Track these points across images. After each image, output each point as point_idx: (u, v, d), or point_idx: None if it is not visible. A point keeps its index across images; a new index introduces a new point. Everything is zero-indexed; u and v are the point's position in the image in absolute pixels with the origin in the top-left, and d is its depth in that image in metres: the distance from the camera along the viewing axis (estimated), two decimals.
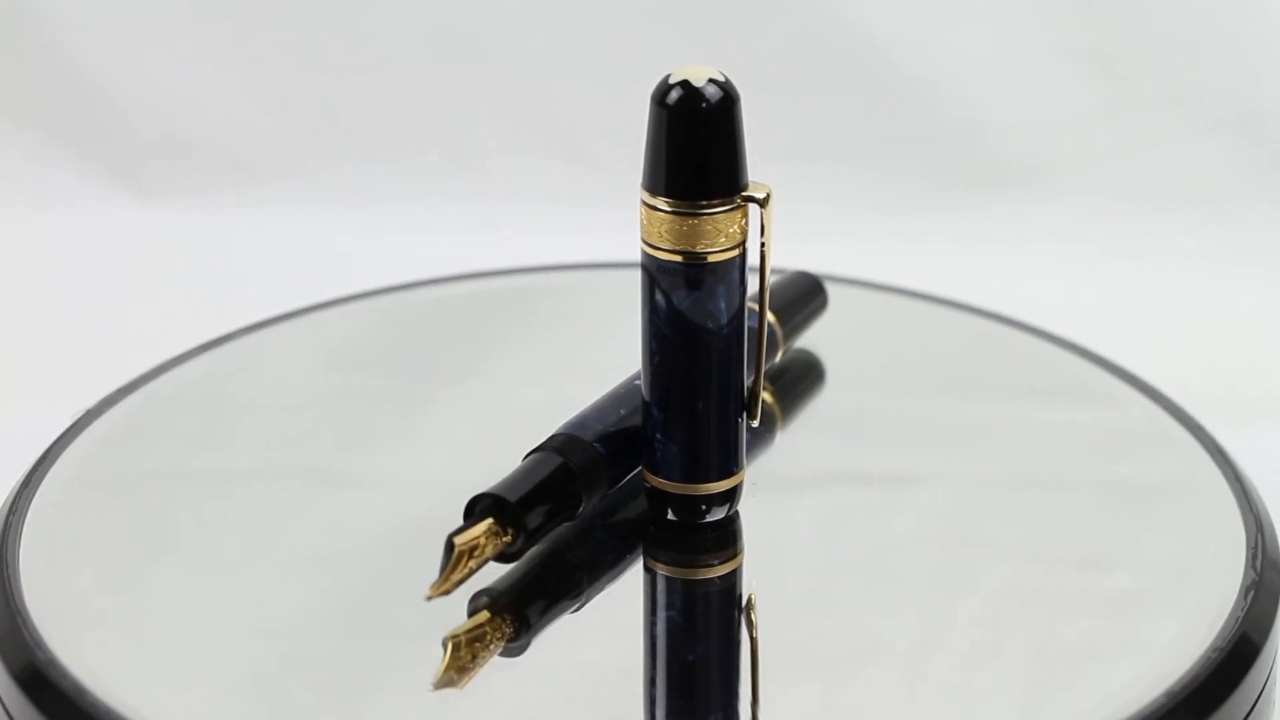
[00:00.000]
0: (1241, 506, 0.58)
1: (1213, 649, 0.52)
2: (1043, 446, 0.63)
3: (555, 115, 1.03)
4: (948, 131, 1.01)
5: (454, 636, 0.53)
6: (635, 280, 0.55)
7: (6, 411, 0.85)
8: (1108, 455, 0.63)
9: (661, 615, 0.55)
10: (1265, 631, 0.54)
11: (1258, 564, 0.56)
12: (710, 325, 0.54)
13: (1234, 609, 0.54)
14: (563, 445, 0.56)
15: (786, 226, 1.00)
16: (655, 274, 0.54)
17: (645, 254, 0.54)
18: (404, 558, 0.57)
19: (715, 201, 0.53)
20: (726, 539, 0.56)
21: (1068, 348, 0.69)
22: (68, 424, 0.62)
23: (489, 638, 0.53)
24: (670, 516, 0.56)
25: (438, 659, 0.53)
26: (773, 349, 0.65)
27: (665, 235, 0.53)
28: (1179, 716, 0.50)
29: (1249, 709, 0.53)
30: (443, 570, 0.52)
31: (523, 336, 0.70)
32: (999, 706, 0.52)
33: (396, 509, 0.60)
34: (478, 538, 0.53)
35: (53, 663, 0.51)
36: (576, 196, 1.00)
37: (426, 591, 0.52)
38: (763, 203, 0.54)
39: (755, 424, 0.56)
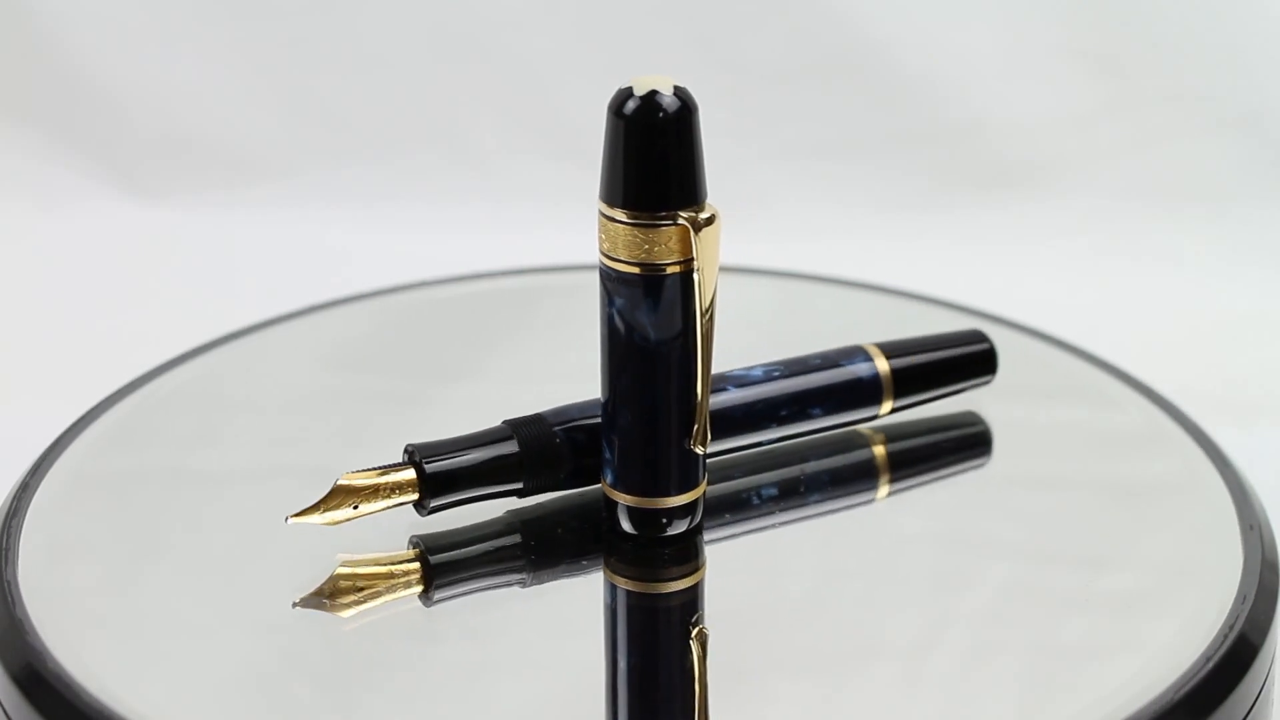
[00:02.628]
0: (1240, 507, 0.58)
1: (1211, 649, 0.52)
2: (1042, 446, 0.63)
3: (555, 115, 1.03)
4: (948, 130, 1.01)
5: (346, 563, 0.55)
6: None
7: (6, 411, 0.85)
8: (1106, 456, 0.63)
9: (619, 621, 0.55)
10: (1263, 632, 0.54)
11: (1256, 565, 0.56)
12: (636, 338, 0.54)
13: (1232, 609, 0.54)
14: (522, 423, 0.56)
15: (787, 226, 1.01)
16: (602, 278, 0.54)
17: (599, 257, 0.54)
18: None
19: (649, 215, 0.52)
20: (688, 552, 0.56)
21: (1065, 348, 0.68)
22: None
23: (387, 578, 0.55)
24: (621, 522, 0.56)
25: (437, 658, 0.53)
26: (870, 398, 0.61)
27: (605, 240, 0.53)
28: (1177, 716, 0.50)
29: (1247, 709, 0.53)
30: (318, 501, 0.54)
31: (523, 336, 0.70)
32: (997, 706, 0.52)
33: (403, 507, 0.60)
34: (365, 481, 0.54)
35: (51, 663, 0.51)
36: (576, 196, 1.00)
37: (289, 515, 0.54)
38: (695, 225, 0.53)
39: (697, 450, 0.55)
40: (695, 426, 0.54)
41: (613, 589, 0.56)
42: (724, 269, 0.76)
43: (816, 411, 0.60)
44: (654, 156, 0.52)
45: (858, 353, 0.61)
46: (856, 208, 1.01)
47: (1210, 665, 0.52)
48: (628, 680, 0.53)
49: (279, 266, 0.98)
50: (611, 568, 0.56)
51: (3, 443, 0.70)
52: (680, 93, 0.52)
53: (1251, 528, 0.57)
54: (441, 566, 0.56)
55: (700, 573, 0.56)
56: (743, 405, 0.59)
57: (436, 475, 0.55)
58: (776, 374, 0.60)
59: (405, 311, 0.72)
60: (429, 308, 0.73)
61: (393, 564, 0.55)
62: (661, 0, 1.02)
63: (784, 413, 0.60)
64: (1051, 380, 0.67)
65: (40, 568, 0.56)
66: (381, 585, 0.55)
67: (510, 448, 0.56)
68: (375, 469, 0.55)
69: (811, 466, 0.61)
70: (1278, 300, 0.96)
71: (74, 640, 0.52)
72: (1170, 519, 0.59)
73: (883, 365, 0.61)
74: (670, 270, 0.53)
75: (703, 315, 0.54)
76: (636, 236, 0.53)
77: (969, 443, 0.63)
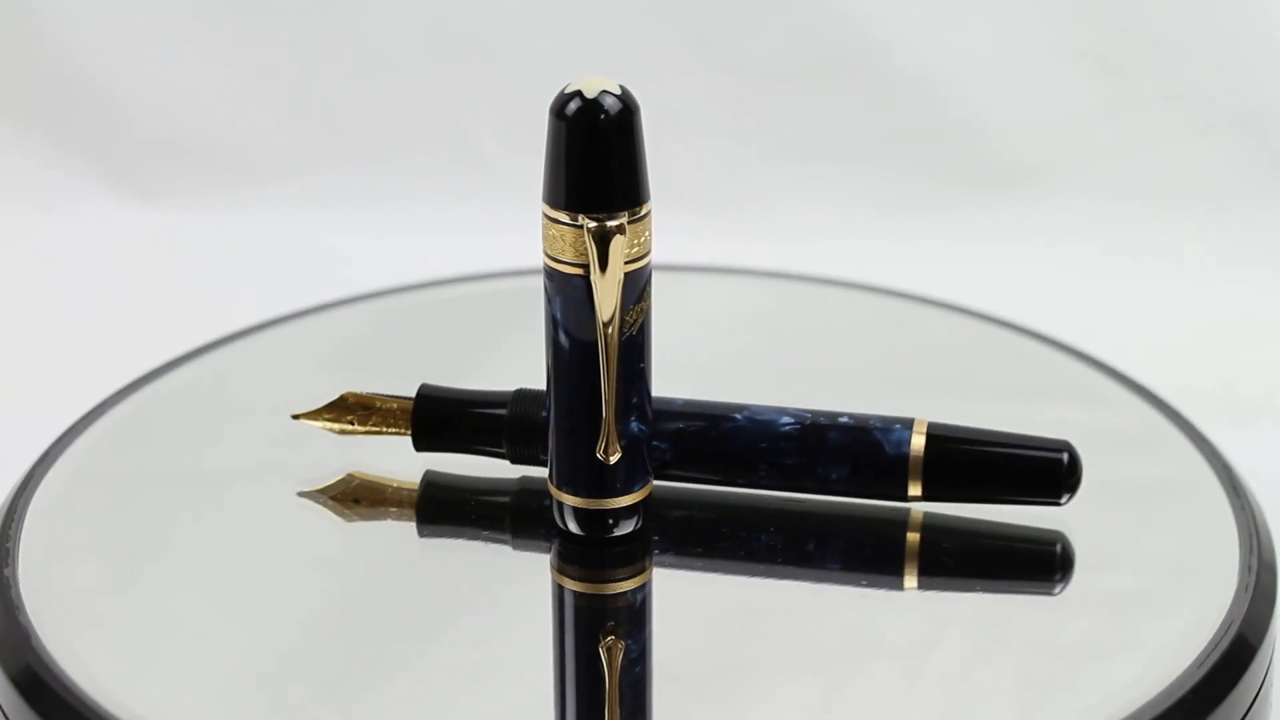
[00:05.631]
0: (1237, 508, 0.58)
1: (1209, 649, 0.52)
2: None
3: None
4: (948, 131, 1.01)
5: (355, 475, 0.59)
6: None
7: (6, 411, 0.85)
8: (1104, 456, 0.63)
9: (566, 620, 0.56)
10: (1261, 632, 0.54)
11: (1254, 565, 0.56)
12: (557, 336, 0.54)
13: (1230, 610, 0.54)
14: (524, 396, 0.57)
15: (787, 226, 1.01)
16: (543, 277, 0.54)
17: None
18: (403, 556, 0.57)
19: (561, 214, 0.52)
20: (634, 553, 0.56)
21: (1063, 349, 0.68)
22: None
23: (387, 498, 0.59)
24: (566, 522, 0.56)
25: (437, 659, 0.53)
26: (892, 475, 0.56)
27: (543, 239, 0.53)
28: (1176, 717, 0.50)
29: (1245, 710, 0.53)
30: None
31: (523, 336, 0.70)
32: (997, 706, 0.52)
33: (400, 509, 0.60)
34: (365, 402, 0.59)
35: (51, 663, 0.51)
36: None
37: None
38: (596, 233, 0.52)
39: (608, 460, 0.54)
40: (602, 437, 0.54)
41: (559, 589, 0.56)
42: (724, 269, 0.77)
43: (828, 472, 0.57)
44: (593, 158, 0.52)
45: (899, 423, 0.56)
46: (856, 208, 1.01)
47: (1208, 665, 0.52)
48: (575, 682, 0.53)
49: (279, 266, 0.98)
50: (558, 567, 0.56)
51: (3, 443, 0.70)
52: (622, 94, 0.52)
53: (1249, 528, 0.57)
54: (432, 509, 0.59)
55: (645, 575, 0.56)
56: (745, 440, 0.57)
57: (427, 418, 0.58)
58: (798, 420, 0.57)
59: (405, 311, 0.73)
60: (429, 308, 0.73)
61: (395, 487, 0.59)
62: (661, 0, 1.02)
63: (789, 461, 0.57)
64: (1047, 381, 0.67)
65: (40, 568, 0.56)
66: (381, 504, 0.59)
67: (501, 413, 0.57)
68: (381, 394, 0.58)
69: (829, 528, 0.58)
70: (1278, 300, 0.96)
71: (74, 640, 0.53)
72: (1168, 520, 0.59)
73: (918, 443, 0.56)
74: (565, 269, 0.53)
75: (605, 325, 0.53)
76: (565, 237, 0.53)
77: (1030, 563, 0.57)
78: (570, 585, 0.56)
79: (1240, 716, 0.53)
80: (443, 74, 1.03)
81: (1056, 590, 0.56)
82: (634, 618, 0.55)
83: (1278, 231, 0.99)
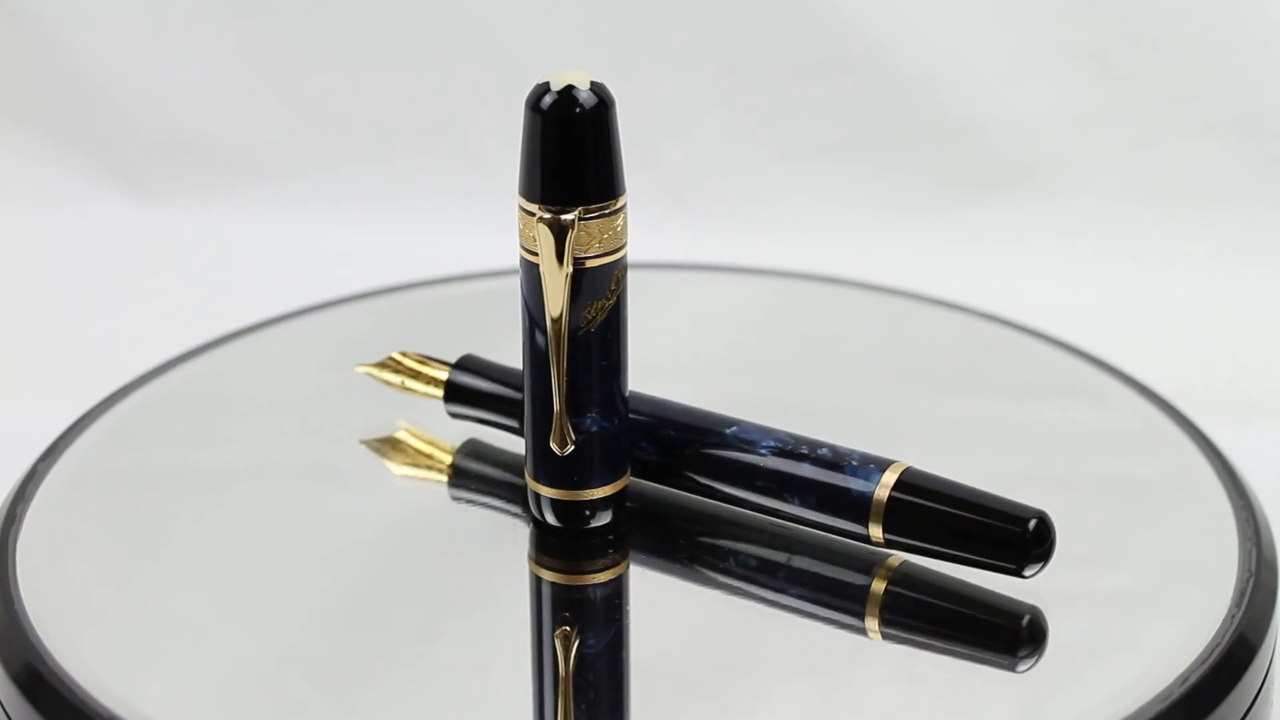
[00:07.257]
0: (1237, 507, 0.58)
1: (1210, 649, 0.52)
2: (1039, 446, 0.63)
3: None
4: (948, 131, 1.01)
5: (408, 430, 0.63)
6: (635, 281, 0.55)
7: (6, 411, 0.85)
8: (1104, 455, 0.63)
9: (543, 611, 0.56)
10: (1262, 631, 0.54)
11: (1254, 564, 0.56)
12: (528, 327, 0.54)
13: (1230, 609, 0.54)
14: None
15: (787, 226, 1.01)
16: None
17: None
18: (402, 554, 0.57)
19: (528, 205, 0.53)
20: (607, 546, 0.56)
21: (1063, 348, 0.69)
22: None
23: (428, 458, 0.61)
24: (543, 514, 0.56)
25: (436, 656, 0.53)
26: (854, 515, 0.55)
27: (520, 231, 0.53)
28: (1177, 716, 0.50)
29: (1246, 709, 0.53)
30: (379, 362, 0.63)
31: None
32: (998, 706, 0.52)
33: (394, 506, 0.60)
34: (411, 361, 0.62)
35: (51, 662, 0.51)
36: None
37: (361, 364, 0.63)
38: (550, 224, 0.52)
39: (564, 452, 0.54)
40: (553, 429, 0.54)
41: (537, 580, 0.56)
42: (724, 268, 0.77)
43: (794, 500, 0.56)
44: (556, 151, 0.52)
45: (873, 464, 0.55)
46: (856, 207, 1.01)
47: (1209, 664, 0.52)
48: (545, 672, 0.53)
49: (279, 266, 0.98)
50: (534, 558, 0.57)
51: (4, 440, 0.70)
52: (593, 89, 0.52)
53: (1250, 527, 0.58)
54: (459, 478, 0.61)
55: (622, 566, 0.56)
56: (724, 456, 0.57)
57: (455, 385, 0.61)
58: (778, 444, 0.56)
59: (405, 311, 0.73)
60: (429, 308, 0.73)
61: (436, 448, 0.62)
62: (662, 0, 1.02)
63: (759, 483, 0.56)
64: (1051, 380, 0.67)
65: (40, 567, 0.56)
66: (423, 461, 0.61)
67: (518, 395, 0.59)
68: (424, 357, 0.62)
69: (800, 561, 0.56)
70: (1278, 300, 0.96)
71: (74, 639, 0.53)
72: (1169, 519, 0.59)
73: (884, 488, 0.54)
74: (534, 259, 0.53)
75: (553, 319, 0.53)
76: (529, 228, 0.53)
77: (993, 636, 0.54)
78: (546, 575, 0.56)
79: (1240, 716, 0.53)
80: (442, 73, 1.03)
81: (1021, 668, 0.52)
82: (604, 609, 0.55)
83: (1278, 231, 0.99)
